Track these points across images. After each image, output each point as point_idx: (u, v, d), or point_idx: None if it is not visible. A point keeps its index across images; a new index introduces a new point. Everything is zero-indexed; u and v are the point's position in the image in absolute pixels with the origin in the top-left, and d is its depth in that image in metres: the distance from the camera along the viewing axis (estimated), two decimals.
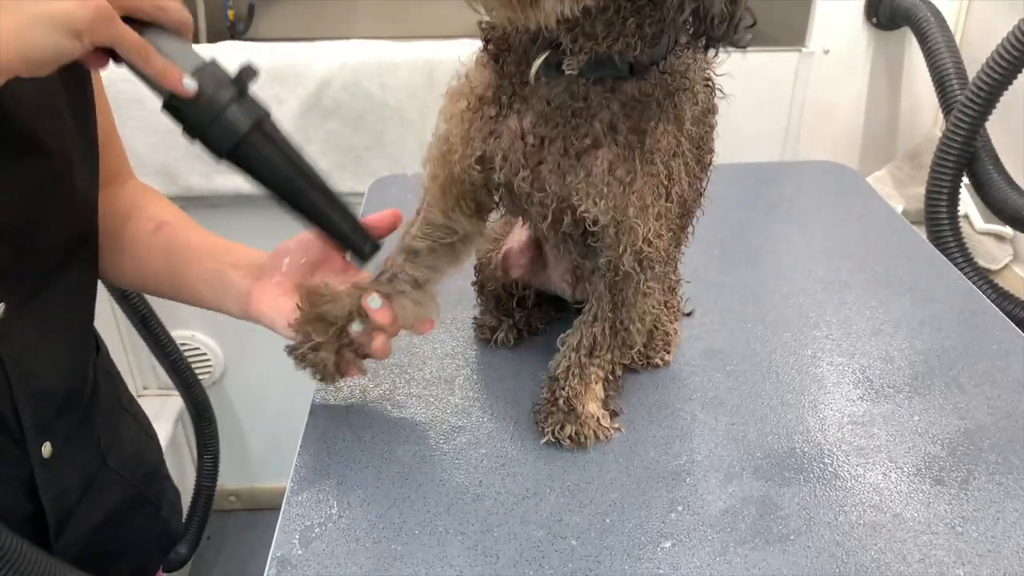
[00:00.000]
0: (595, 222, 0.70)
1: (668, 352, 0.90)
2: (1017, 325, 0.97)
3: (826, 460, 0.79)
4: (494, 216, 0.84)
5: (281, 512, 0.74)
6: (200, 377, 1.81)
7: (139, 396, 1.92)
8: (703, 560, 0.69)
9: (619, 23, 0.62)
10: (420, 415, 0.84)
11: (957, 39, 1.56)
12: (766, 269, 1.08)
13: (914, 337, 0.95)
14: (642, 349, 0.85)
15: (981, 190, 1.39)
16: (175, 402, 1.89)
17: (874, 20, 1.64)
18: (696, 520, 0.72)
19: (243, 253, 0.83)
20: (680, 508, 0.74)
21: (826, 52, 1.67)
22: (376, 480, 0.76)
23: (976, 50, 1.52)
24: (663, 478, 0.77)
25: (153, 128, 1.56)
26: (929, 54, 1.49)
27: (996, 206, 1.36)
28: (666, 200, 0.72)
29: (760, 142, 1.69)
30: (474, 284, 0.97)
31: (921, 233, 1.23)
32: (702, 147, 0.78)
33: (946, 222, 1.41)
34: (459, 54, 1.59)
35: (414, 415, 0.84)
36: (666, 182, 0.71)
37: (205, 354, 1.87)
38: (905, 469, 0.78)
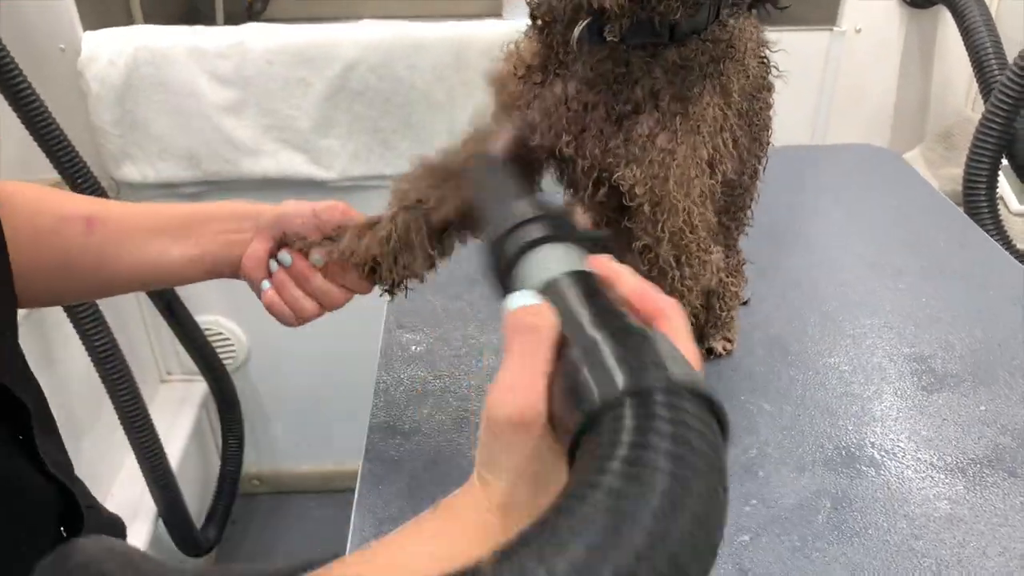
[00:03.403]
0: (632, 195, 0.69)
1: (731, 340, 0.89)
2: None
3: (896, 451, 0.78)
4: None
5: (354, 510, 0.74)
6: (224, 362, 1.81)
7: (163, 382, 1.92)
8: (781, 554, 0.69)
9: None
10: (481, 407, 0.83)
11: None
12: (817, 255, 1.07)
13: (972, 325, 0.94)
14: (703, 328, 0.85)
15: (1020, 172, 1.38)
16: (199, 387, 1.88)
17: None
18: (771, 514, 0.72)
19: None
20: (755, 501, 0.73)
21: (858, 31, 1.65)
22: (446, 476, 0.76)
23: (1011, 29, 1.51)
24: (735, 472, 0.76)
25: (176, 111, 1.54)
26: (966, 33, 1.47)
27: None
28: (710, 177, 0.71)
29: (790, 123, 1.67)
30: None
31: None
32: (755, 124, 0.77)
33: (985, 205, 1.39)
34: (488, 34, 1.57)
35: (476, 408, 0.83)
36: (710, 156, 0.70)
37: (228, 339, 1.86)
38: (977, 460, 0.77)
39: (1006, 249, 1.34)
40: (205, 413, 1.92)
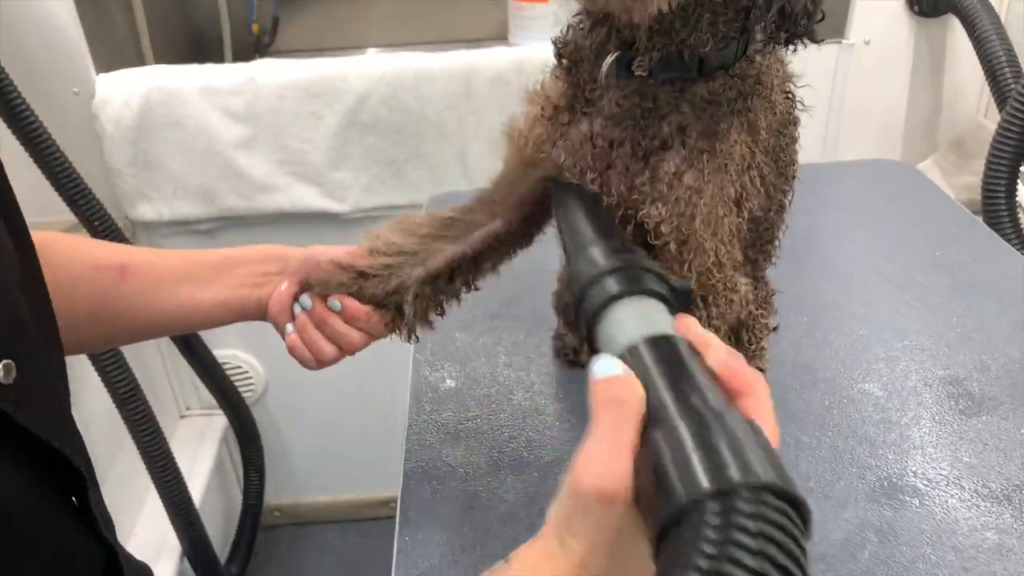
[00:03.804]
0: (657, 234, 0.68)
1: (763, 369, 0.88)
2: None
3: (939, 480, 0.77)
4: None
5: (395, 562, 0.73)
6: (243, 395, 1.81)
7: (182, 417, 1.91)
8: None
9: (694, 19, 0.61)
10: (515, 447, 0.83)
11: None
12: (842, 277, 1.06)
13: (1006, 344, 0.93)
14: None
15: None
16: (219, 421, 1.88)
17: (916, 8, 1.61)
18: (818, 551, 0.71)
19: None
20: None
21: (867, 43, 1.65)
22: (484, 521, 0.75)
23: (1021, 35, 1.50)
24: None
25: (190, 149, 1.55)
26: (978, 42, 1.47)
27: None
28: (736, 216, 0.71)
29: (801, 139, 1.67)
30: (555, 307, 0.96)
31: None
32: (782, 159, 0.76)
33: (1005, 214, 1.39)
34: (496, 62, 1.57)
35: (511, 448, 0.83)
36: (737, 194, 0.70)
37: (247, 372, 1.85)
38: (1022, 487, 0.76)
39: None
40: (225, 447, 1.92)
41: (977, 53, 1.48)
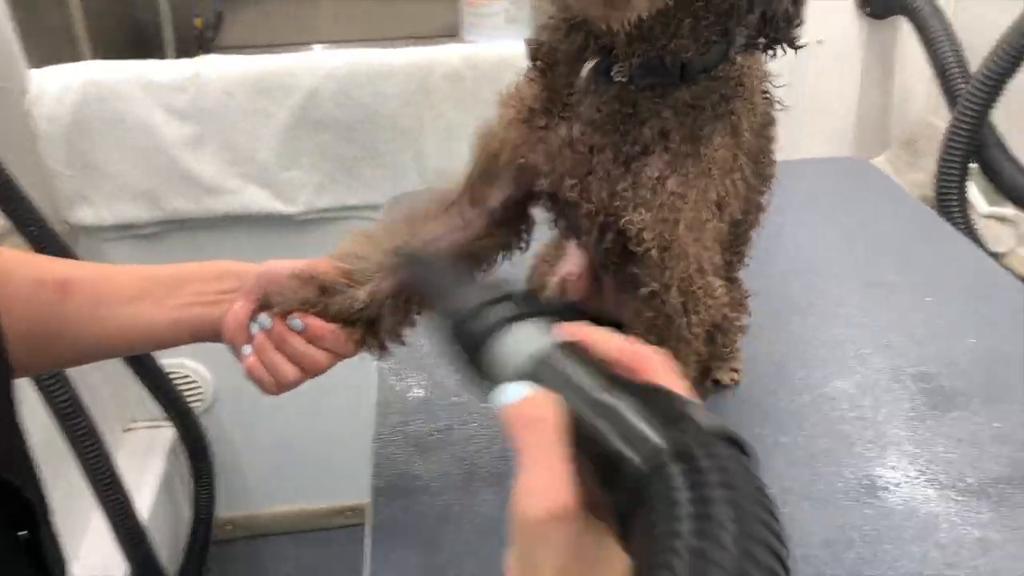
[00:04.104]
0: (639, 240, 0.66)
1: (737, 371, 0.87)
2: None
3: (917, 476, 0.77)
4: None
5: None
6: (191, 405, 1.74)
7: (126, 430, 1.84)
8: None
9: (675, 24, 0.60)
10: (488, 458, 0.80)
11: None
12: (811, 275, 1.06)
13: (974, 340, 0.94)
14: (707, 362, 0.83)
15: (993, 177, 1.40)
16: (166, 434, 1.81)
17: (867, 9, 1.63)
18: (801, 553, 0.70)
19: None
20: None
21: (820, 43, 1.66)
22: (460, 537, 0.72)
23: (966, 36, 1.52)
24: None
25: (132, 148, 1.48)
26: (928, 43, 1.49)
27: (1012, 192, 1.37)
28: (719, 220, 0.69)
29: None
30: None
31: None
32: (761, 160, 0.75)
33: (957, 211, 1.41)
34: (452, 57, 1.54)
35: (484, 460, 0.80)
36: (719, 198, 0.68)
37: (195, 381, 1.79)
38: (1000, 480, 0.76)
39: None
40: (174, 460, 1.84)
41: (927, 54, 1.51)
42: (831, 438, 0.81)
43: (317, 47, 1.90)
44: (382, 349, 0.75)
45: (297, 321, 0.70)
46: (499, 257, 0.77)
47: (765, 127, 0.74)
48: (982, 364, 0.90)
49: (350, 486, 1.98)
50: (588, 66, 0.63)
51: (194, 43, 1.83)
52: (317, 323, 0.70)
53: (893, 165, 1.69)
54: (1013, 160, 1.38)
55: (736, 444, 0.36)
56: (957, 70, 1.45)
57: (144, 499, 1.65)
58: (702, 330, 0.72)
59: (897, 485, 0.76)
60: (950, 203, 1.41)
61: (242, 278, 0.73)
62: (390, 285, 0.72)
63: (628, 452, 0.36)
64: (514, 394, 0.42)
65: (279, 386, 0.72)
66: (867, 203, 1.22)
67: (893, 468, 0.78)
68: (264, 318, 0.71)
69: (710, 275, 0.69)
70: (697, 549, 0.31)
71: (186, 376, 1.77)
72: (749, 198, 0.75)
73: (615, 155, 0.66)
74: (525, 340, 0.46)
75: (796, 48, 0.64)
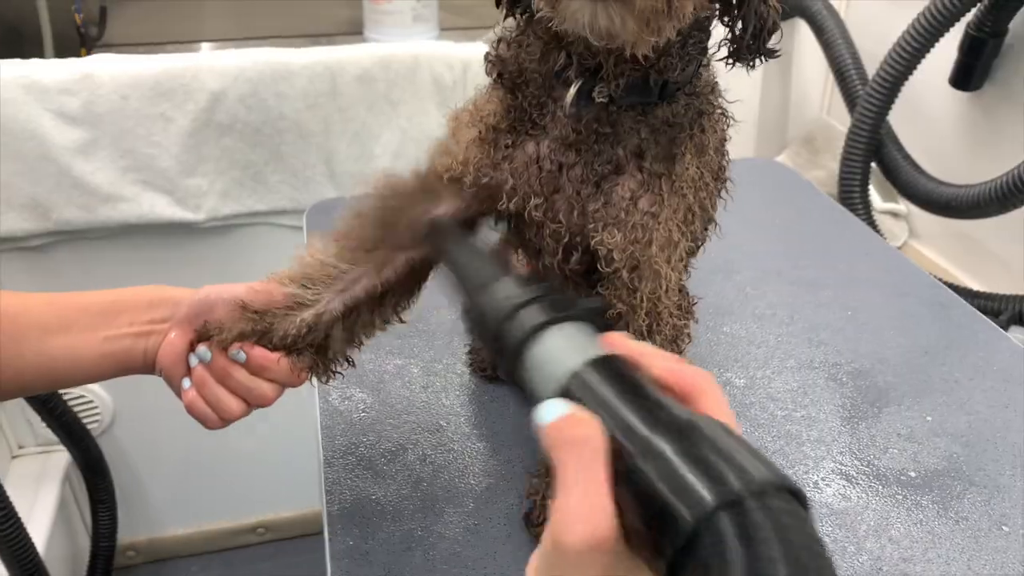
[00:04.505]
0: (608, 261, 0.66)
1: None
2: None
3: (865, 473, 0.80)
4: None
5: None
6: (88, 427, 1.63)
7: (15, 457, 1.70)
8: None
9: (664, 44, 0.59)
10: (447, 477, 0.77)
11: None
12: (741, 277, 1.08)
13: (898, 333, 0.98)
14: None
15: (891, 175, 1.48)
16: (60, 458, 1.68)
17: None
18: None
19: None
20: None
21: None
22: (426, 564, 0.70)
23: (858, 39, 1.60)
24: None
25: (16, 155, 1.36)
26: (826, 46, 1.56)
27: (907, 190, 1.44)
28: (689, 239, 0.70)
29: None
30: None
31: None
32: (719, 176, 0.76)
33: (860, 207, 1.48)
34: (363, 57, 1.49)
35: (443, 479, 0.77)
36: (686, 216, 0.69)
37: (91, 401, 1.67)
38: (940, 473, 0.80)
39: None
40: (69, 486, 1.72)
41: (826, 56, 1.57)
42: (781, 440, 0.83)
43: (206, 45, 1.80)
44: (330, 374, 0.72)
45: (240, 352, 0.66)
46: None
47: (722, 143, 0.74)
48: (908, 359, 0.94)
49: (260, 501, 1.91)
50: (573, 89, 0.62)
51: (77, 42, 1.71)
52: (261, 353, 0.66)
53: (794, 163, 1.75)
54: (909, 159, 1.46)
55: (790, 493, 0.35)
56: (855, 72, 1.51)
57: (39, 529, 1.53)
58: (665, 348, 0.72)
59: (845, 484, 0.79)
60: (853, 200, 1.48)
61: (176, 305, 0.68)
62: (340, 304, 0.69)
63: (676, 504, 0.35)
64: (555, 411, 0.41)
65: (223, 421, 0.68)
66: (781, 203, 1.26)
67: (842, 465, 0.80)
68: (203, 350, 0.66)
69: (675, 294, 0.70)
70: None
71: (81, 396, 1.65)
72: (709, 214, 0.75)
73: (584, 174, 0.65)
74: (566, 349, 0.44)
75: (774, 58, 0.65)
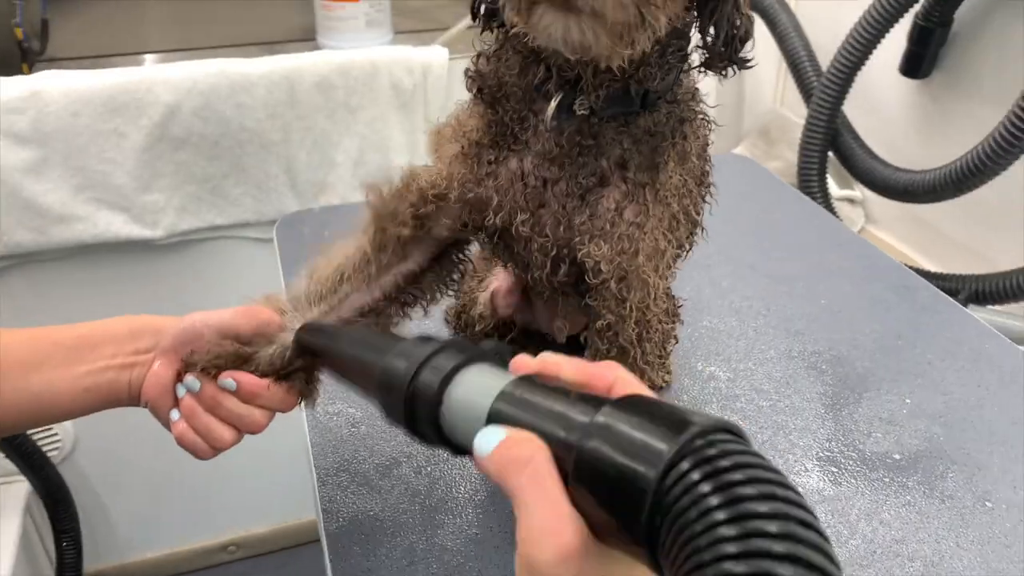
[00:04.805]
0: (596, 272, 0.66)
1: (669, 372, 0.89)
2: None
3: (852, 457, 0.81)
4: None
5: None
6: (48, 455, 1.58)
7: None
8: None
9: (642, 56, 0.59)
10: (444, 488, 0.77)
11: None
12: (715, 271, 1.10)
13: (870, 320, 1.00)
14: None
15: (848, 163, 1.51)
16: (19, 489, 1.62)
17: None
18: None
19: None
20: None
21: None
22: (426, 574, 0.69)
23: (809, 32, 1.63)
24: None
25: None
26: (780, 39, 1.58)
27: (865, 177, 1.48)
28: (674, 246, 0.71)
29: None
30: (455, 329, 0.91)
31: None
32: (702, 183, 0.77)
33: (819, 195, 1.51)
34: (321, 65, 1.47)
35: (440, 490, 0.77)
36: (680, 224, 0.69)
37: (51, 428, 1.62)
38: (923, 454, 0.82)
39: None
40: (30, 517, 1.66)
41: (780, 48, 1.60)
42: (770, 430, 0.85)
43: (151, 57, 1.76)
44: (318, 396, 0.71)
45: (229, 380, 0.65)
46: (437, 294, 0.75)
47: (704, 149, 0.75)
48: (882, 344, 0.97)
49: (229, 519, 1.87)
50: (554, 103, 0.62)
51: (18, 58, 1.65)
52: (251, 380, 0.65)
53: (751, 155, 1.78)
54: (865, 147, 1.49)
55: (730, 431, 0.37)
56: (809, 64, 1.54)
57: (0, 564, 1.48)
58: (654, 358, 0.73)
59: (837, 468, 0.80)
60: (812, 189, 1.51)
61: (160, 334, 0.66)
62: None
63: (635, 465, 0.36)
64: (491, 440, 0.41)
65: (214, 450, 0.66)
66: (754, 197, 1.28)
67: (830, 452, 0.82)
68: (191, 379, 0.65)
69: (663, 302, 0.70)
70: (742, 533, 0.32)
71: None
72: (693, 219, 0.76)
73: (569, 187, 0.65)
74: (483, 384, 0.45)
75: (747, 67, 0.65)
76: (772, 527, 0.32)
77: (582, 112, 0.61)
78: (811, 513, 0.33)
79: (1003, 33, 1.32)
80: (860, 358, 0.94)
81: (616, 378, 0.44)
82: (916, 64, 1.43)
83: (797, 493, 0.34)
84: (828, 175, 1.65)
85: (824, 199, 1.52)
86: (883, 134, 1.54)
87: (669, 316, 0.85)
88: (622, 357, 0.70)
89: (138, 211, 1.45)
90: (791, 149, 1.65)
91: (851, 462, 0.81)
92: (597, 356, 0.70)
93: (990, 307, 1.30)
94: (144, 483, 1.75)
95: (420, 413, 0.47)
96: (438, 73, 1.56)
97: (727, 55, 0.61)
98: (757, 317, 1.01)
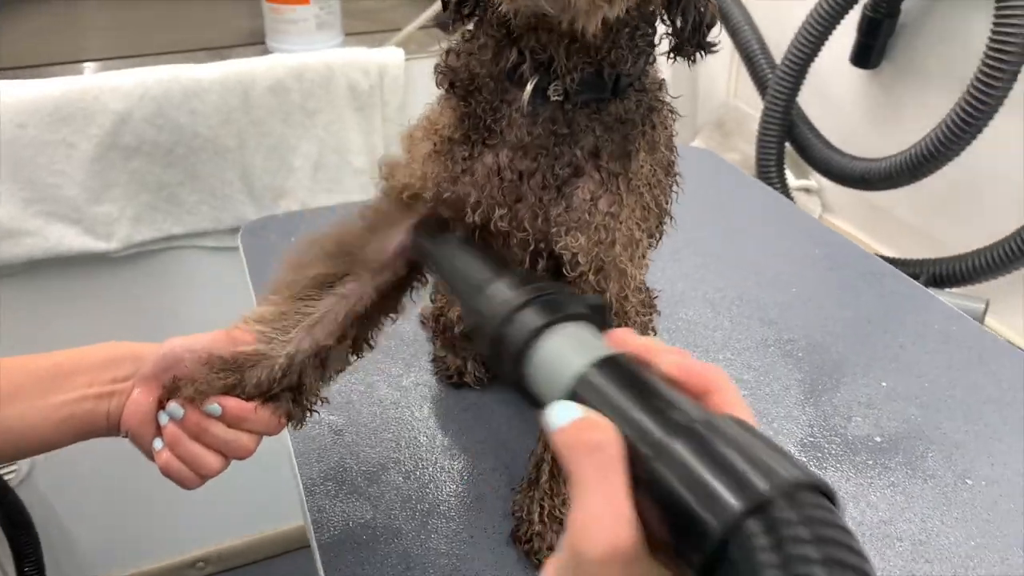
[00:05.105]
0: (574, 265, 0.66)
1: None
2: None
3: (838, 442, 0.83)
4: None
5: None
6: (5, 477, 1.52)
7: None
8: None
9: (615, 34, 0.60)
10: (433, 492, 0.76)
11: None
12: (687, 264, 1.11)
13: (839, 306, 1.02)
14: None
15: (805, 153, 1.53)
16: None
17: None
18: None
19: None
20: None
21: None
22: None
23: (760, 25, 1.65)
24: None
25: None
26: (733, 33, 1.60)
27: (822, 166, 1.50)
28: (648, 235, 0.71)
29: None
30: (434, 332, 0.90)
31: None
32: (670, 172, 0.77)
33: (778, 186, 1.53)
34: (276, 68, 1.44)
35: (429, 494, 0.76)
36: (651, 213, 0.70)
37: None
38: (903, 436, 0.84)
39: None
40: None
41: (734, 43, 1.62)
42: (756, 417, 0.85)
43: (90, 65, 1.71)
44: (307, 416, 0.69)
45: (215, 406, 0.62)
46: (411, 291, 0.74)
47: (670, 139, 0.75)
48: (854, 329, 0.99)
49: (197, 535, 1.83)
50: (530, 86, 0.61)
51: None
52: (237, 404, 0.63)
53: (709, 146, 1.80)
54: (820, 137, 1.52)
55: (817, 490, 0.34)
56: (762, 57, 1.57)
57: None
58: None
59: (821, 454, 0.81)
60: (771, 180, 1.53)
61: (139, 361, 0.64)
62: (310, 341, 0.66)
63: (700, 511, 0.33)
64: (566, 415, 0.40)
65: (201, 478, 0.64)
66: (711, 186, 1.30)
67: (813, 438, 0.83)
68: (174, 406, 0.63)
69: (641, 292, 0.71)
70: None
71: None
72: (663, 208, 0.76)
73: (545, 179, 0.64)
74: (569, 351, 0.43)
75: (712, 52, 0.66)
76: None
77: (556, 98, 0.61)
78: None
79: (947, 23, 1.36)
80: (834, 344, 0.96)
81: (716, 387, 0.41)
82: (866, 55, 1.46)
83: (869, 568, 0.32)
84: (785, 166, 1.68)
85: (783, 189, 1.54)
86: (836, 123, 1.57)
87: (645, 307, 0.86)
88: None
89: (90, 223, 1.40)
90: (747, 141, 1.67)
91: (834, 446, 0.82)
92: None
93: (947, 290, 1.34)
94: (106, 502, 1.70)
95: (504, 362, 0.46)
96: (394, 74, 1.54)
97: (695, 40, 0.62)
98: (731, 307, 1.02)
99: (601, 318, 0.47)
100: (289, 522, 1.88)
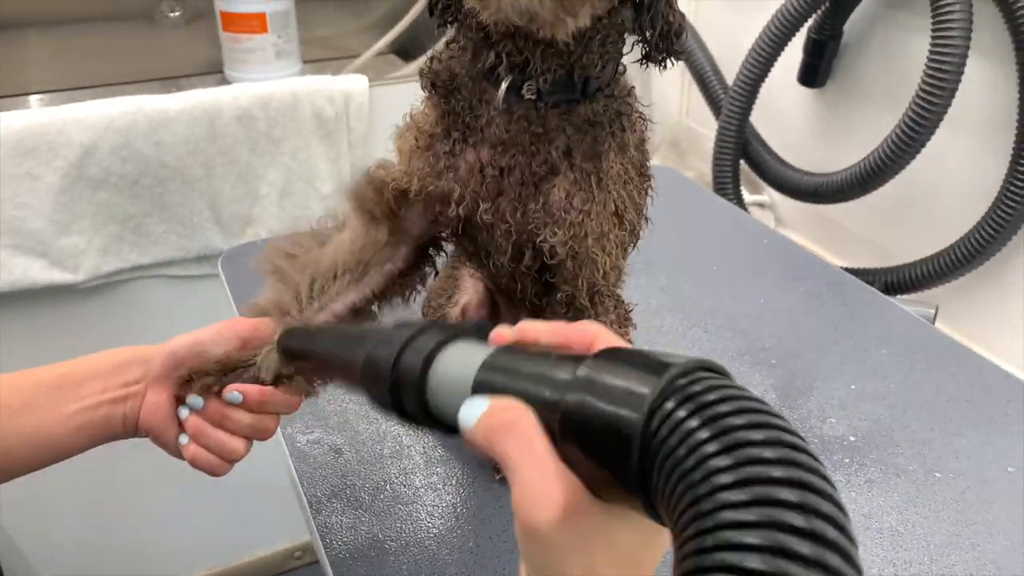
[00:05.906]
0: (553, 254, 0.71)
1: None
2: None
3: (824, 440, 0.87)
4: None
5: None
6: None
7: None
8: None
9: (586, 39, 0.64)
10: (443, 504, 0.78)
11: None
12: (660, 276, 1.15)
13: (808, 315, 1.08)
14: None
15: (759, 170, 1.60)
16: None
17: None
18: None
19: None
20: None
21: None
22: None
23: (711, 48, 1.73)
24: None
25: None
26: (686, 57, 1.67)
27: (776, 182, 1.57)
28: (619, 228, 0.75)
29: None
30: None
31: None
32: (643, 174, 0.82)
33: (735, 202, 1.59)
34: (242, 97, 1.45)
35: (439, 507, 0.78)
36: (619, 210, 0.74)
37: None
38: (876, 434, 0.88)
39: None
40: None
41: (687, 65, 1.68)
42: None
43: (33, 98, 1.69)
44: (320, 390, 0.71)
45: (235, 393, 0.65)
46: (413, 291, 0.77)
47: (642, 142, 0.80)
48: (821, 336, 1.04)
49: (172, 564, 1.80)
50: (505, 84, 0.66)
51: None
52: (256, 389, 0.66)
53: (665, 165, 1.86)
54: (773, 154, 1.59)
55: (712, 369, 0.37)
56: (715, 78, 1.63)
57: None
58: (607, 321, 0.78)
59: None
60: (728, 196, 1.59)
61: (146, 363, 0.66)
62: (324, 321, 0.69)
63: (619, 411, 0.36)
64: (476, 410, 0.41)
65: (230, 463, 0.67)
66: (676, 203, 1.35)
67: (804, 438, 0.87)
68: (194, 398, 0.65)
69: (612, 277, 0.76)
70: (737, 462, 0.31)
71: None
72: (638, 207, 0.80)
73: (523, 176, 0.69)
74: (465, 359, 0.45)
75: (680, 59, 0.71)
76: (767, 453, 0.31)
77: (529, 96, 0.65)
78: (801, 438, 0.34)
79: (887, 44, 1.44)
80: (805, 351, 1.01)
81: (595, 336, 0.43)
82: (812, 74, 1.54)
83: (784, 420, 0.34)
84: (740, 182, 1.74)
85: (740, 205, 1.60)
86: (786, 140, 1.64)
87: (622, 320, 0.90)
88: (580, 315, 0.75)
89: (57, 255, 1.39)
90: (702, 160, 1.73)
91: (812, 446, 0.86)
92: (558, 319, 0.74)
93: (899, 296, 1.41)
94: (77, 528, 1.67)
95: (407, 397, 0.46)
96: (359, 101, 1.56)
97: (664, 47, 0.67)
98: (705, 318, 1.07)
99: (485, 335, 0.48)
100: (278, 544, 1.88)
